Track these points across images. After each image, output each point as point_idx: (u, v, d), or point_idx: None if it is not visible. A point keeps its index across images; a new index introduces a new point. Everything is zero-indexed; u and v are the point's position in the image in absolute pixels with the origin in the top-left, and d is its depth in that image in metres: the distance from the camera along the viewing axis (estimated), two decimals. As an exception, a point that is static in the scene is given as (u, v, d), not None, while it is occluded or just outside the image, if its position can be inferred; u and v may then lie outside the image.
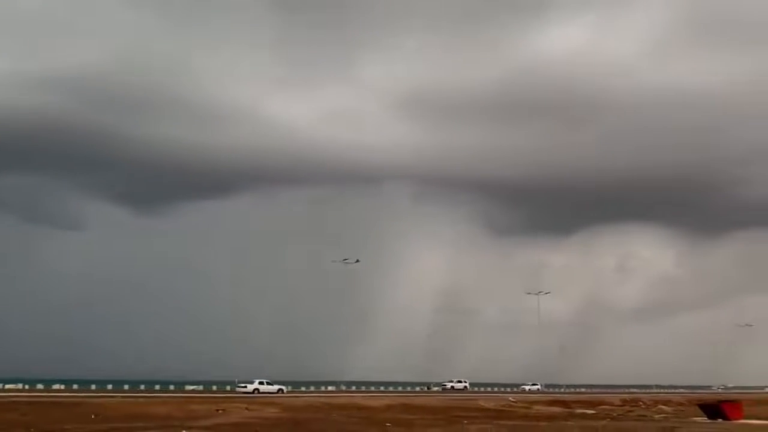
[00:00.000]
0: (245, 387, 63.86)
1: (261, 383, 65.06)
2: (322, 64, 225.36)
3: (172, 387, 75.13)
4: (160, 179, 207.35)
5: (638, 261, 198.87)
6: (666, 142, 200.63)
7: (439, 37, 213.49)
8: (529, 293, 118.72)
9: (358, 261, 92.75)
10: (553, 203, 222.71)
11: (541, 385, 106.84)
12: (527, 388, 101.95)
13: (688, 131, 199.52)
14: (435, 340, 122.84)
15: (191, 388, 74.99)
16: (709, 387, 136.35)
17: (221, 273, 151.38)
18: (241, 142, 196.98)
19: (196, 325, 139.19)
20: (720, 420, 39.41)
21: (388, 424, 31.15)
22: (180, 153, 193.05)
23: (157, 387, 74.48)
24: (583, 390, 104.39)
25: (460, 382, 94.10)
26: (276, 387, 66.08)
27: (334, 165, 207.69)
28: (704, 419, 40.33)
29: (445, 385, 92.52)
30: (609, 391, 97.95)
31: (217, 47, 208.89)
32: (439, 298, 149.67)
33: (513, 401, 58.89)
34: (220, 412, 36.15)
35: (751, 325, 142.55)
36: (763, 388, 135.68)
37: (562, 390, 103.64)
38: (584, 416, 43.75)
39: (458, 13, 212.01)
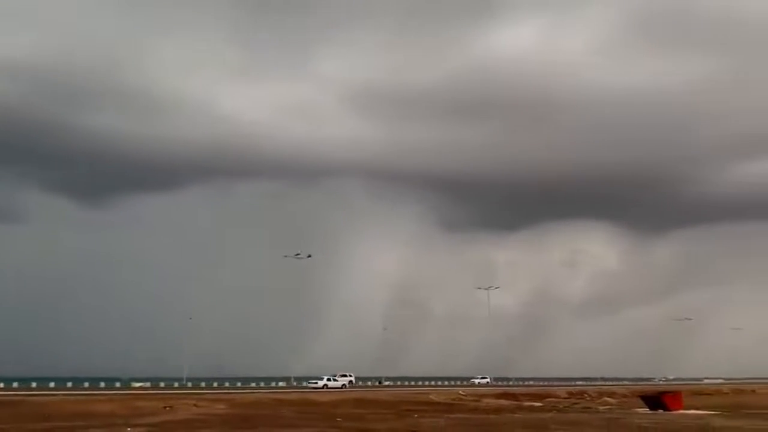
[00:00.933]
0: (316, 383, 68.16)
1: (329, 379, 69.88)
2: (279, 57, 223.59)
3: (118, 384, 73.51)
4: (106, 171, 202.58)
5: (585, 257, 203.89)
6: (615, 140, 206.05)
7: (395, 35, 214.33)
8: (479, 288, 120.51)
9: (310, 256, 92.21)
10: (504, 200, 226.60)
11: (491, 378, 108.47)
12: (477, 381, 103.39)
13: (637, 130, 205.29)
14: (388, 334, 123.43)
15: (138, 385, 73.53)
16: (651, 379, 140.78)
17: (169, 267, 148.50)
18: (194, 135, 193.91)
19: (142, 321, 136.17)
20: (661, 411, 40.63)
21: (339, 419, 31.09)
22: (128, 144, 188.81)
23: (102, 384, 72.68)
24: (531, 383, 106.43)
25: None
26: (340, 383, 70.63)
27: (289, 159, 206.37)
28: (646, 410, 41.53)
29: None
30: (556, 383, 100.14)
31: (173, 37, 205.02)
32: (392, 293, 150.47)
33: (463, 394, 59.60)
34: (167, 409, 35.46)
35: (690, 319, 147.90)
36: (701, 379, 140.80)
37: (511, 383, 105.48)
38: (532, 408, 44.56)
39: (413, 11, 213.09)
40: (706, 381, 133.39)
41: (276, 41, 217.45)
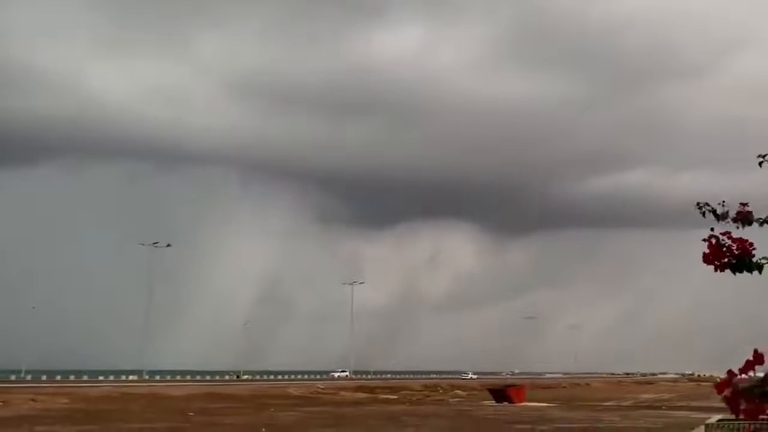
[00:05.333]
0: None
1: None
2: (154, 37, 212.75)
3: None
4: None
5: (447, 255, 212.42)
6: (481, 148, 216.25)
7: (282, 27, 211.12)
8: (344, 283, 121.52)
9: (169, 245, 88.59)
10: (377, 197, 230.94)
11: (350, 372, 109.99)
12: (336, 375, 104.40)
13: (501, 141, 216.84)
14: (252, 328, 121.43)
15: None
16: (499, 373, 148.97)
17: (10, 252, 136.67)
18: (50, 110, 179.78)
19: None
20: (505, 403, 43.16)
21: (190, 414, 30.25)
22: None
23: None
24: (389, 376, 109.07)
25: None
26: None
27: (157, 142, 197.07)
28: (493, 403, 43.95)
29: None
30: (413, 377, 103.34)
31: (34, 5, 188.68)
32: (259, 287, 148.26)
33: (321, 388, 60.01)
34: None
35: (534, 317, 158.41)
36: (542, 374, 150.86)
37: (369, 376, 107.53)
38: (386, 401, 45.76)
39: (302, 5, 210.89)
40: (547, 375, 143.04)
41: (153, 18, 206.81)
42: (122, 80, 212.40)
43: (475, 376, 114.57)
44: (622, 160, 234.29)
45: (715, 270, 1.69)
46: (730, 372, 1.44)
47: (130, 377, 78.38)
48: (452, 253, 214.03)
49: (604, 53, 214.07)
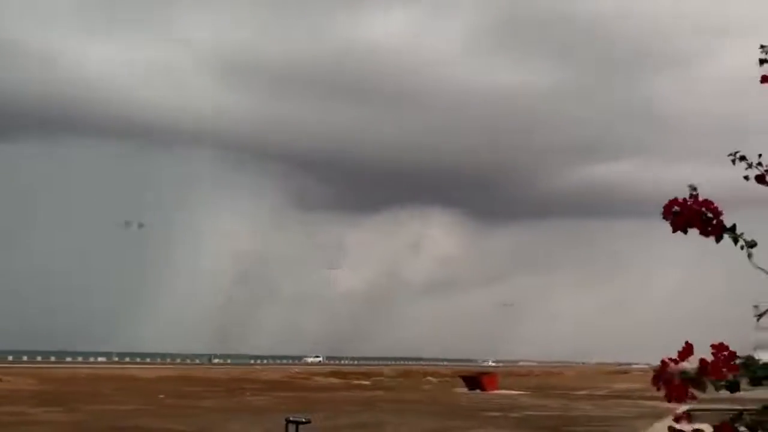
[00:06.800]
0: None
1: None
2: (139, 15, 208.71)
3: None
4: None
5: (429, 241, 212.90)
6: (470, 136, 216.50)
7: (268, 6, 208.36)
8: (322, 268, 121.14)
9: (143, 225, 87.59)
10: (364, 182, 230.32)
11: (323, 357, 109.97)
12: (309, 360, 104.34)
13: (491, 129, 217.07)
14: (230, 311, 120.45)
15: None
16: (475, 360, 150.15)
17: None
18: (30, 85, 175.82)
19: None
20: (478, 391, 43.43)
21: (161, 396, 29.98)
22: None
23: None
24: (363, 362, 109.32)
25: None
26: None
27: (141, 121, 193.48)
28: (465, 390, 44.21)
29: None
30: (387, 363, 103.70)
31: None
32: (236, 271, 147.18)
33: (295, 373, 59.92)
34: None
35: (511, 305, 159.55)
36: (517, 362, 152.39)
37: (343, 362, 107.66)
38: (360, 387, 45.84)
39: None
40: (521, 363, 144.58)
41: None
42: (98, 56, 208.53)
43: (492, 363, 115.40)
44: (610, 150, 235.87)
45: (675, 230, 1.66)
46: (663, 362, 1.52)
47: (99, 359, 77.54)
48: (434, 239, 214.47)
49: (592, 42, 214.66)
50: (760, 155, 1.73)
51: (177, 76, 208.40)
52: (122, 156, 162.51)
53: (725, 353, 1.51)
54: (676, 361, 1.51)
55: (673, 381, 1.48)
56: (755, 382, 1.55)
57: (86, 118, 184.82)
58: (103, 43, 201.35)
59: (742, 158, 1.73)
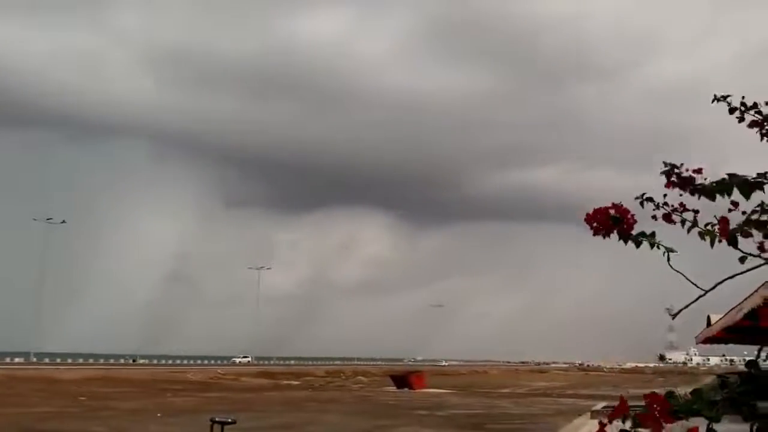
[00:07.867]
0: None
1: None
2: (68, 2, 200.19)
3: None
4: None
5: (362, 242, 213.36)
6: (403, 138, 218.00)
7: (207, 2, 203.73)
8: (251, 268, 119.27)
9: (64, 222, 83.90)
10: (298, 182, 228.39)
11: (252, 358, 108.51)
12: (238, 360, 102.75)
13: (423, 132, 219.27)
14: (154, 310, 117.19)
15: None
16: (402, 360, 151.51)
17: None
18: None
19: None
20: (406, 389, 43.93)
21: (82, 398, 28.93)
22: None
23: None
24: (292, 362, 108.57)
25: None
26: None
27: (64, 112, 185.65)
28: (394, 389, 44.63)
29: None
30: (318, 363, 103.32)
31: None
32: (163, 269, 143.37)
33: (221, 373, 58.91)
34: None
35: (441, 306, 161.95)
36: (439, 360, 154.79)
37: (272, 362, 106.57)
38: (289, 387, 45.51)
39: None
40: (444, 363, 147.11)
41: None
42: (31, 45, 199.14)
43: (446, 364, 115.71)
44: (536, 156, 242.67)
45: (595, 233, 1.75)
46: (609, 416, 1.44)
47: (16, 360, 74.04)
48: (367, 240, 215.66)
49: (525, 51, 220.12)
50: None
51: (107, 67, 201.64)
52: (48, 147, 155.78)
53: (658, 404, 1.40)
54: (610, 421, 1.41)
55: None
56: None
57: (9, 107, 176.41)
58: (30, 30, 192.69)
59: (649, 199, 1.79)
